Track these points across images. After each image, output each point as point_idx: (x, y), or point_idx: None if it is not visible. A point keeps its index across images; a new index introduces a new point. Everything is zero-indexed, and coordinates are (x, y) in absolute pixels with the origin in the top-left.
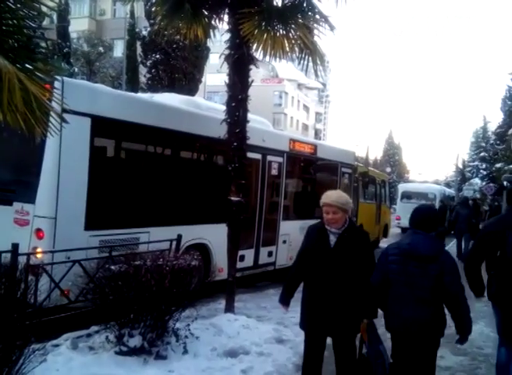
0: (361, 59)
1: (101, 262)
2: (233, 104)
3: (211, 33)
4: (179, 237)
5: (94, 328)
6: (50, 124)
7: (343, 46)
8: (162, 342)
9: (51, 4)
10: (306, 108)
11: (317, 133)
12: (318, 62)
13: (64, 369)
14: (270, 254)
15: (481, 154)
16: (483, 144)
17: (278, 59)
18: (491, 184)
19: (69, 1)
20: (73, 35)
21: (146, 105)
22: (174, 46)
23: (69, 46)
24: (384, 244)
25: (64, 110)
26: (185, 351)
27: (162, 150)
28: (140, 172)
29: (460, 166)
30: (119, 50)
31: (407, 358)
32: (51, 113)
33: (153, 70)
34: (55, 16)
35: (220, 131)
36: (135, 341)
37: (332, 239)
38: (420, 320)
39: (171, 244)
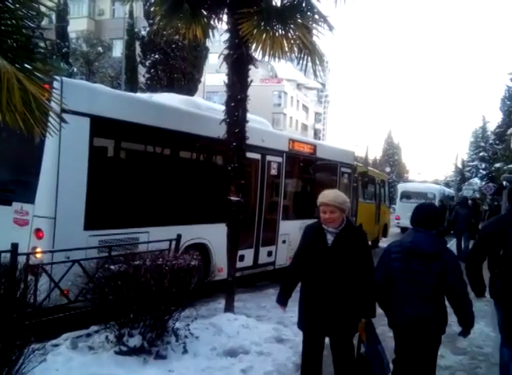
0: (361, 59)
1: (100, 261)
2: (232, 104)
3: (210, 33)
4: (179, 236)
5: (93, 328)
6: (49, 124)
7: (342, 46)
8: (162, 342)
9: (49, 4)
10: (305, 108)
11: (316, 133)
12: (317, 62)
13: (64, 368)
14: (270, 254)
15: (481, 154)
16: (482, 144)
17: (277, 59)
18: (490, 184)
19: (67, 1)
20: (72, 35)
21: (145, 105)
22: (173, 46)
23: (67, 46)
24: (383, 243)
25: (63, 110)
26: (185, 351)
27: (162, 150)
28: (140, 172)
29: (460, 166)
30: (117, 50)
31: (410, 355)
32: (50, 113)
33: (152, 70)
34: (53, 16)
35: (219, 131)
36: (135, 341)
37: (330, 238)
38: (423, 317)
39: (170, 244)
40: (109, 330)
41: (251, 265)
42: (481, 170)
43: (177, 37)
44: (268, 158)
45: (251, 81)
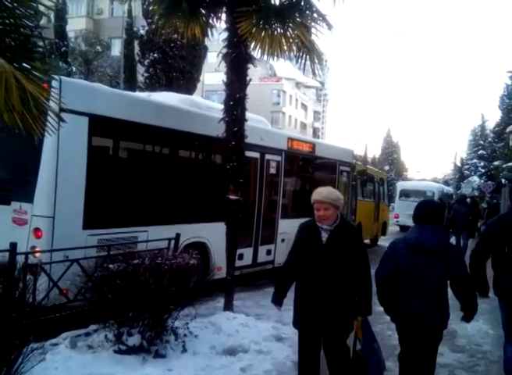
0: (359, 58)
1: (99, 261)
2: (231, 103)
3: (209, 32)
4: (178, 235)
5: (92, 327)
6: (48, 123)
7: (341, 45)
8: (161, 341)
9: (48, 3)
10: (304, 106)
11: (315, 132)
12: (316, 60)
13: (63, 368)
14: (269, 252)
15: (480, 152)
16: (481, 142)
17: (276, 58)
18: (489, 182)
19: (66, 0)
20: (71, 34)
21: (144, 105)
22: (172, 45)
23: (66, 45)
24: (382, 242)
25: (62, 109)
26: (184, 350)
27: (160, 149)
28: (138, 171)
29: (459, 164)
30: (116, 49)
31: (412, 349)
32: (49, 112)
33: (151, 69)
34: (52, 15)
35: (218, 130)
36: (134, 340)
37: (324, 236)
38: (425, 311)
39: (169, 242)
40: (108, 329)
41: (250, 263)
42: (479, 168)
43: (176, 36)
44: (267, 156)
45: (250, 80)
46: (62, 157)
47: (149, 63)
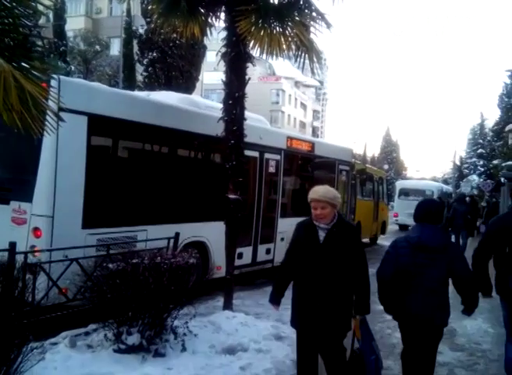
0: (359, 57)
1: (98, 260)
2: (230, 102)
3: (208, 31)
4: (177, 235)
5: (92, 326)
6: (46, 123)
7: (340, 44)
8: (161, 340)
9: (47, 2)
10: (303, 105)
11: (314, 131)
12: (315, 59)
13: (62, 367)
14: (268, 251)
15: (479, 150)
16: (480, 141)
17: (275, 57)
18: (488, 181)
19: None
20: (70, 34)
21: (143, 104)
22: (171, 44)
23: (65, 45)
24: (382, 241)
25: (60, 109)
26: (183, 349)
27: (160, 148)
28: (138, 170)
29: (458, 163)
30: (115, 48)
31: (413, 346)
32: (48, 112)
33: (150, 68)
34: (51, 15)
35: (217, 129)
36: (133, 339)
37: (321, 235)
38: (428, 310)
39: (168, 242)
40: (108, 329)
41: (250, 262)
42: (479, 167)
43: (175, 35)
44: (266, 155)
45: (249, 79)
46: (61, 156)
47: (148, 62)
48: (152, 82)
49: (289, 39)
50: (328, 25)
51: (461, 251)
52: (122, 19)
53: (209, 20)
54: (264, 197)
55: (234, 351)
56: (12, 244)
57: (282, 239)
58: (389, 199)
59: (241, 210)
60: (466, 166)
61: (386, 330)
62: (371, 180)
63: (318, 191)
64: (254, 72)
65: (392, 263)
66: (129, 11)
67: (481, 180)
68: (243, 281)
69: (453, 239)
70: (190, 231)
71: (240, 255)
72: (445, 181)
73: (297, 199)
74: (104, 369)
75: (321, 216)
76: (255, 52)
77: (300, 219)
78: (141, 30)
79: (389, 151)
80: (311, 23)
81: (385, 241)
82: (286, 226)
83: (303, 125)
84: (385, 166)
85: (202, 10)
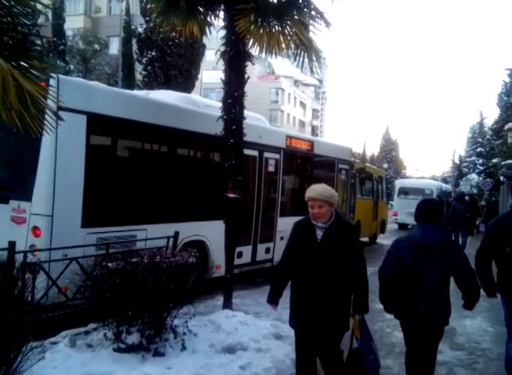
0: (358, 56)
1: (98, 259)
2: (230, 101)
3: (207, 30)
4: (176, 234)
5: (91, 325)
6: (45, 122)
7: (339, 42)
8: (160, 339)
9: (46, 1)
10: (303, 104)
11: (314, 130)
12: (314, 58)
13: (62, 366)
14: (267, 250)
15: (478, 149)
16: (480, 140)
17: (274, 56)
18: (487, 179)
19: None
20: (69, 33)
21: (142, 103)
22: (170, 43)
23: (64, 44)
24: (381, 239)
25: (59, 108)
26: (183, 348)
27: (159, 147)
28: (137, 169)
29: (457, 162)
30: (114, 47)
31: (415, 345)
32: (47, 111)
33: (149, 67)
34: (50, 14)
35: (217, 128)
36: (133, 338)
37: (319, 233)
38: (429, 308)
39: (168, 241)
40: (107, 328)
41: (249, 262)
42: (478, 166)
43: (174, 34)
44: (266, 154)
45: (248, 78)
46: (60, 155)
47: (147, 61)
48: (151, 81)
49: (289, 38)
50: (328, 24)
51: (462, 250)
52: (121, 18)
53: (208, 19)
54: (264, 196)
55: (234, 351)
56: (12, 244)
57: (282, 238)
58: (389, 198)
59: (240, 209)
60: (465, 164)
61: (386, 329)
62: (371, 179)
63: (315, 190)
64: (253, 71)
65: (395, 263)
66: (128, 10)
67: (481, 178)
68: (242, 280)
69: (452, 238)
70: (189, 230)
71: (240, 254)
72: (444, 180)
73: (297, 198)
74: (104, 369)
75: (319, 214)
76: (254, 51)
77: (299, 218)
78: (140, 29)
79: (389, 150)
80: (310, 21)
81: (384, 240)
82: (286, 225)
83: (302, 124)
84: (385, 165)
85: (201, 9)
